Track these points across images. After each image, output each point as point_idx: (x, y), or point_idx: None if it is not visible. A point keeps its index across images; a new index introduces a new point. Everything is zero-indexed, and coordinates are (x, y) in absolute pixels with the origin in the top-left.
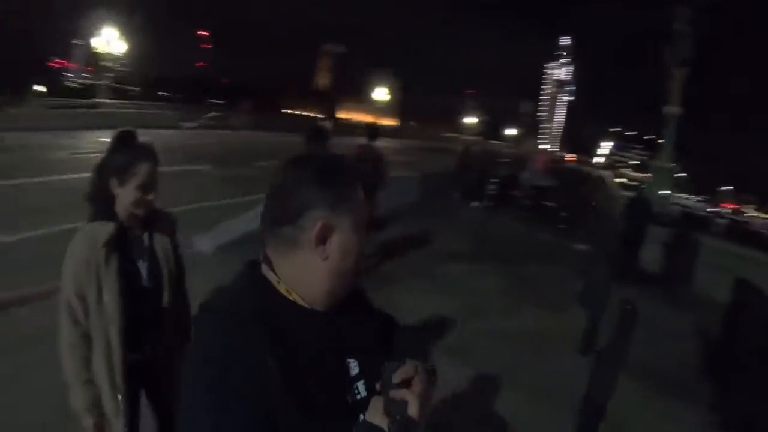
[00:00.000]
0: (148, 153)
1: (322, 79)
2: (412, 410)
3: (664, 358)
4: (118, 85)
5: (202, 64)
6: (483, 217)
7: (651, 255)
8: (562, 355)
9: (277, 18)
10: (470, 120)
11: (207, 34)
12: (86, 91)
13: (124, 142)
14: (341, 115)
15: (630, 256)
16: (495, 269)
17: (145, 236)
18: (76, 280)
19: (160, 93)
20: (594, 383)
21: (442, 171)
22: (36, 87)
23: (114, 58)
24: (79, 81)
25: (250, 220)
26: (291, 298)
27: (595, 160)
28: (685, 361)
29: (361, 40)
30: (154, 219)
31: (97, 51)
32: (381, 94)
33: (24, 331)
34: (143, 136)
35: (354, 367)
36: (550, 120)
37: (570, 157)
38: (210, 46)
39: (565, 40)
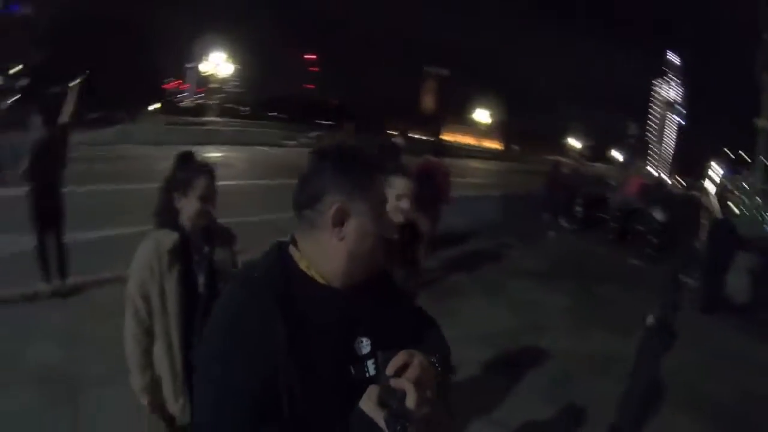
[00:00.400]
0: (205, 169)
1: (427, 102)
2: (408, 401)
3: (741, 393)
4: (229, 105)
5: (310, 86)
6: (566, 237)
7: (737, 282)
8: (616, 379)
9: (385, 39)
10: (575, 142)
11: (314, 57)
12: (197, 110)
13: (185, 161)
14: (446, 137)
15: (714, 284)
16: (567, 289)
17: (206, 248)
18: (140, 283)
19: (268, 113)
20: (625, 407)
21: (532, 191)
22: (152, 107)
23: (222, 80)
24: (192, 101)
25: None
26: (309, 273)
27: (705, 184)
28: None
29: (466, 62)
30: (215, 234)
31: (205, 74)
32: (482, 116)
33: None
34: (246, 153)
35: (366, 346)
36: (659, 142)
37: (674, 180)
38: (317, 69)
39: (673, 57)
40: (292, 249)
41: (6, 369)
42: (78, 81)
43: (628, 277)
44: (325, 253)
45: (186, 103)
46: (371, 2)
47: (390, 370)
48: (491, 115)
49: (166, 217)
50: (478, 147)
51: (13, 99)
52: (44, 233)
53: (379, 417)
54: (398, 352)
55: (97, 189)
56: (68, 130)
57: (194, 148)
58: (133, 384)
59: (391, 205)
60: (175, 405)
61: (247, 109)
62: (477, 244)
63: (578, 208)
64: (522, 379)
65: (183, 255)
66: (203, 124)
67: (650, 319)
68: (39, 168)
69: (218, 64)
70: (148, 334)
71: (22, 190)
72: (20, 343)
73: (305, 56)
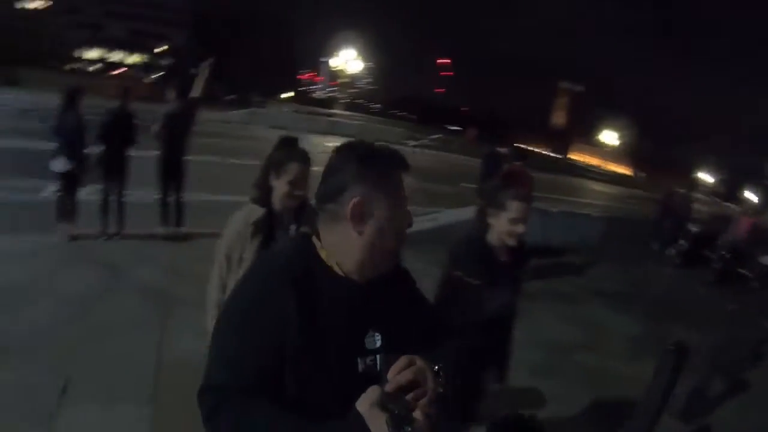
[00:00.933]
0: (301, 156)
1: (558, 117)
2: (409, 405)
3: None
4: (360, 101)
5: (441, 90)
6: (664, 269)
7: None
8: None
9: (520, 51)
10: (707, 176)
11: (448, 62)
12: (327, 103)
13: (285, 144)
14: (574, 155)
15: None
16: (639, 317)
17: (293, 226)
18: (226, 245)
19: (397, 112)
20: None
21: (645, 218)
22: (285, 94)
23: (352, 76)
24: (324, 93)
25: (425, 223)
26: (329, 263)
27: None
28: None
29: (601, 81)
30: (304, 212)
31: (336, 68)
32: (610, 137)
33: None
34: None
35: (377, 340)
36: None
37: None
38: (450, 74)
39: None
40: (315, 240)
41: (119, 282)
42: (207, 63)
43: (710, 320)
44: (344, 246)
45: (318, 94)
46: (510, 13)
47: (391, 373)
48: (619, 137)
49: (260, 193)
50: (604, 170)
51: (157, 75)
52: (167, 188)
53: (374, 419)
54: (400, 357)
55: (221, 161)
56: (196, 105)
57: (316, 137)
58: (207, 325)
59: (504, 228)
60: None
61: (378, 106)
62: (566, 258)
63: (682, 242)
64: (558, 390)
65: (267, 229)
66: (330, 115)
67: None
68: (168, 134)
69: (348, 60)
70: (223, 289)
71: (156, 153)
72: (135, 266)
73: (439, 60)
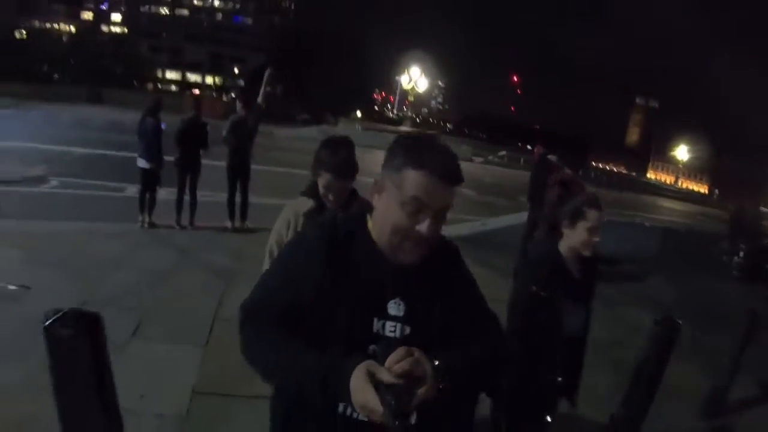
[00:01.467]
0: (333, 165)
1: (633, 134)
2: (403, 398)
3: None
4: (433, 121)
5: (513, 108)
6: (718, 281)
7: None
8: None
9: (592, 67)
10: None
11: (516, 80)
12: (398, 121)
13: (328, 144)
14: (650, 173)
15: None
16: (684, 324)
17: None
18: (278, 233)
19: (466, 130)
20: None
21: (712, 233)
22: (357, 114)
23: (421, 95)
24: (397, 112)
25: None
26: (369, 228)
27: None
28: None
29: (677, 95)
30: (352, 204)
31: (407, 88)
32: (682, 153)
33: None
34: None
35: (399, 309)
36: None
37: None
38: (519, 92)
39: None
40: (370, 213)
41: (188, 260)
42: (267, 72)
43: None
44: (373, 214)
45: (390, 113)
46: (584, 29)
47: (389, 362)
48: (690, 151)
49: (310, 187)
50: (678, 188)
51: (231, 96)
52: (234, 187)
53: (361, 392)
54: (398, 347)
55: (286, 171)
56: (259, 112)
57: (381, 151)
58: None
59: (581, 238)
60: None
61: (450, 125)
62: (617, 265)
63: (742, 254)
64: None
65: (314, 219)
66: (397, 132)
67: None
68: (234, 138)
69: (417, 79)
70: None
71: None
72: (203, 250)
73: (513, 77)
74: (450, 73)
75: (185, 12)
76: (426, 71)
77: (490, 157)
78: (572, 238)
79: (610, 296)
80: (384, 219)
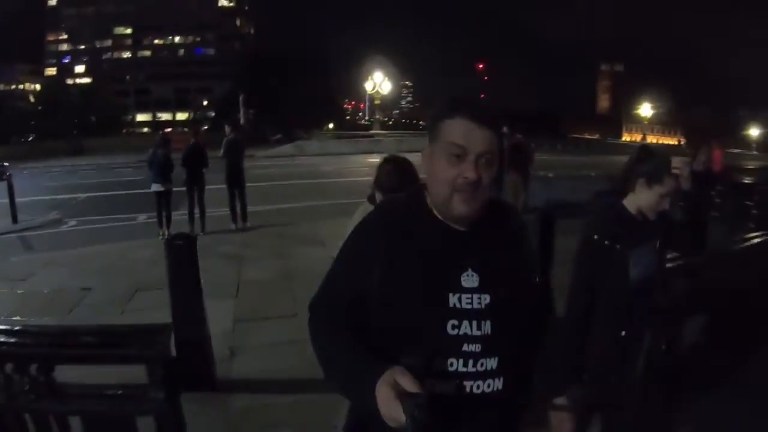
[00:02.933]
0: (390, 168)
1: (603, 101)
2: (423, 408)
3: None
4: (405, 121)
5: (482, 95)
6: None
7: None
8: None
9: (556, 43)
10: (754, 131)
11: (481, 66)
12: (370, 127)
13: (387, 163)
14: (626, 137)
15: None
16: None
17: None
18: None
19: None
20: None
21: None
22: (330, 125)
23: (387, 97)
24: (367, 119)
25: None
26: (430, 208)
27: None
28: None
29: (640, 57)
30: None
31: (372, 92)
32: (645, 110)
33: None
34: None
35: (473, 280)
36: None
37: None
38: (486, 78)
39: None
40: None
41: (208, 252)
42: (241, 97)
43: None
44: (427, 182)
45: (362, 120)
46: (543, 6)
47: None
48: (653, 108)
49: (371, 192)
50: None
51: (204, 128)
52: (233, 195)
53: (386, 401)
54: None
55: (275, 183)
56: (245, 131)
57: (358, 156)
58: None
59: (651, 201)
60: None
61: (422, 123)
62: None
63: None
64: None
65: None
66: (371, 136)
67: None
68: (230, 155)
69: (379, 83)
70: None
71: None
72: (219, 245)
73: (478, 66)
74: (416, 71)
75: (147, 53)
76: (389, 74)
77: None
78: (643, 198)
79: None
80: (432, 176)
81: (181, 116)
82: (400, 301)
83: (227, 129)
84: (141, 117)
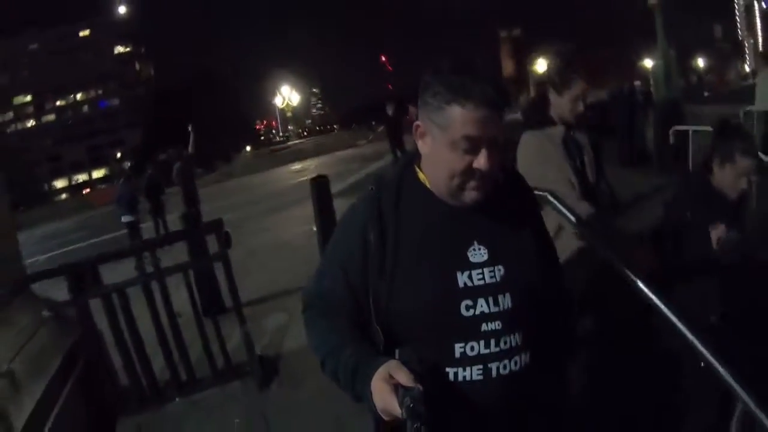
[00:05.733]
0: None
1: (507, 67)
2: (419, 399)
3: None
4: (318, 128)
5: (389, 86)
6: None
7: None
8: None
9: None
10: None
11: (384, 59)
12: (286, 141)
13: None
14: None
15: None
16: None
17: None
18: None
19: (354, 124)
20: None
21: None
22: (247, 148)
23: (297, 108)
24: (282, 135)
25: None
26: (422, 179)
27: None
28: None
29: (535, 18)
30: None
31: (282, 107)
32: (541, 66)
33: None
34: (323, 159)
35: (481, 254)
36: (752, 37)
37: None
38: (390, 69)
39: None
40: (417, 162)
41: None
42: (189, 127)
43: None
44: (423, 163)
45: (278, 138)
46: None
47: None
48: (548, 63)
49: (540, 117)
50: None
51: (122, 180)
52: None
53: (381, 393)
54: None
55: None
56: (192, 157)
57: (282, 167)
58: None
59: (728, 179)
60: None
61: (336, 126)
62: None
63: None
64: None
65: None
66: (288, 147)
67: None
68: (181, 177)
69: (287, 96)
70: None
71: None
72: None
73: (381, 58)
74: (321, 77)
75: (51, 117)
76: (295, 85)
77: (370, 136)
78: (719, 177)
79: None
80: (436, 165)
81: (98, 173)
82: (406, 291)
83: (172, 155)
84: (59, 183)
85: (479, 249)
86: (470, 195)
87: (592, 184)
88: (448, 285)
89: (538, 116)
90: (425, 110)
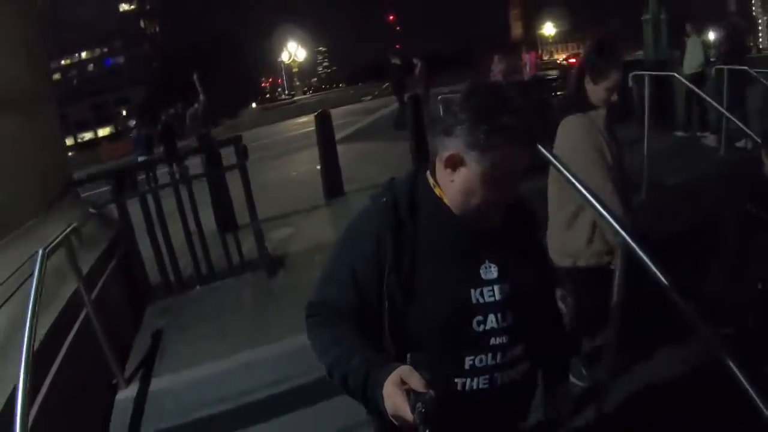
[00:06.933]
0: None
1: (516, 29)
2: (432, 403)
3: None
4: (324, 86)
5: (398, 46)
6: None
7: None
8: None
9: None
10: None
11: (393, 18)
12: (292, 97)
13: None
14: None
15: None
16: None
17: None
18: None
19: (359, 83)
20: None
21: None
22: (253, 105)
23: (303, 65)
24: (288, 93)
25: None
26: (438, 194)
27: None
28: None
29: None
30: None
31: (288, 63)
32: (548, 29)
33: None
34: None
35: (493, 272)
36: (765, 14)
37: None
38: (399, 29)
39: None
40: (429, 174)
41: None
42: (194, 75)
43: None
44: (443, 185)
45: (284, 96)
46: None
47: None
48: (555, 26)
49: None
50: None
51: (135, 126)
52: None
53: (393, 397)
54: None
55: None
56: (205, 102)
57: (287, 121)
58: None
59: None
60: None
61: (343, 83)
62: None
63: None
64: None
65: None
66: (293, 102)
67: None
68: (194, 124)
69: (294, 52)
70: None
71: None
72: None
73: (389, 17)
74: (329, 36)
75: (57, 76)
76: (302, 40)
77: (376, 93)
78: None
79: None
80: (468, 193)
81: (103, 132)
82: (422, 303)
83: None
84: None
85: (490, 267)
86: (494, 217)
87: (624, 167)
88: (463, 301)
89: (580, 101)
90: (464, 143)
